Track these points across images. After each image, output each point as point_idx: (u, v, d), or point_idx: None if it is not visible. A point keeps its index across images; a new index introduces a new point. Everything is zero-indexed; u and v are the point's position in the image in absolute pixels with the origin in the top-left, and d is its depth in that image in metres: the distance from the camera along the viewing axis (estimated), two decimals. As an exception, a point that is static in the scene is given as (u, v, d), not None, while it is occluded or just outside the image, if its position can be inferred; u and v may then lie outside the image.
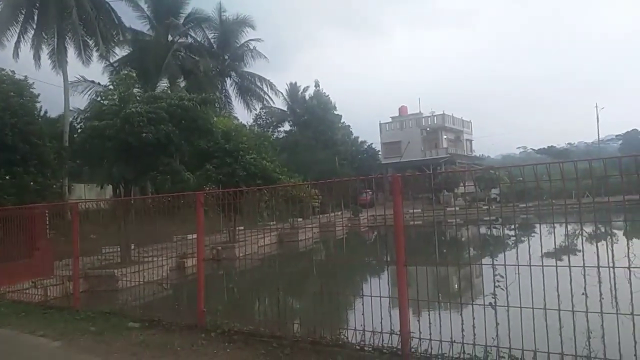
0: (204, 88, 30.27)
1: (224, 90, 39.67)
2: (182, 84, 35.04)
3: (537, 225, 6.03)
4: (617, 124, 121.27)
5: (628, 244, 4.00)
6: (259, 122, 47.66)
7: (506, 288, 4.45)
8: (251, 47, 40.17)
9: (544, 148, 58.56)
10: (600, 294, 4.00)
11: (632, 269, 3.88)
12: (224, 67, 40.25)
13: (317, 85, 52.92)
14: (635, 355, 3.78)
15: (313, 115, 50.09)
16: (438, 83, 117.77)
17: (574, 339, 4.08)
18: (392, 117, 58.95)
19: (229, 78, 41.01)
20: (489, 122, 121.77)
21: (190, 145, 15.79)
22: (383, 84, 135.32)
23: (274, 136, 46.79)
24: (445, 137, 56.02)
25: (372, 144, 59.18)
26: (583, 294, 4.02)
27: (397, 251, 5.12)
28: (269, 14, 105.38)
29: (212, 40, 39.91)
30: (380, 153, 58.10)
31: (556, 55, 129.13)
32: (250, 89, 40.84)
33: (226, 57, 40.64)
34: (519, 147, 74.62)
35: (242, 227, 20.86)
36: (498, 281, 4.53)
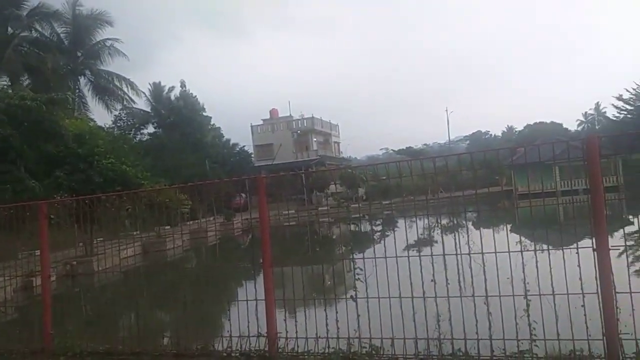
0: (53, 87, 27.34)
1: (77, 90, 36.26)
2: (27, 83, 31.28)
3: (398, 220, 6.36)
4: (464, 125, 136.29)
5: (467, 233, 4.42)
6: (119, 124, 44.31)
7: (365, 280, 4.65)
8: (108, 45, 37.32)
9: (403, 149, 63.28)
10: (447, 280, 4.35)
11: (471, 255, 4.30)
12: (77, 65, 36.83)
13: (183, 85, 50.87)
14: (477, 332, 4.18)
15: (180, 117, 47.97)
16: (306, 87, 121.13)
17: (426, 323, 4.39)
18: (263, 120, 59.17)
19: (83, 77, 37.62)
20: (355, 126, 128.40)
21: (35, 150, 14.09)
22: (253, 86, 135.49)
23: (137, 139, 44.00)
24: (315, 139, 57.72)
25: (244, 146, 58.74)
26: (432, 280, 4.34)
27: (263, 253, 5.07)
28: (129, 10, 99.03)
29: (62, 36, 36.25)
30: (252, 155, 57.90)
31: (412, 62, 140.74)
32: (107, 88, 37.88)
33: (79, 54, 37.22)
34: (381, 149, 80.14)
35: (101, 239, 19.21)
36: (358, 274, 4.72)
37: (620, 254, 4.43)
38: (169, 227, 23.00)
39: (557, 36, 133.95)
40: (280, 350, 4.86)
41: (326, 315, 4.65)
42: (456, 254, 4.43)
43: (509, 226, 4.92)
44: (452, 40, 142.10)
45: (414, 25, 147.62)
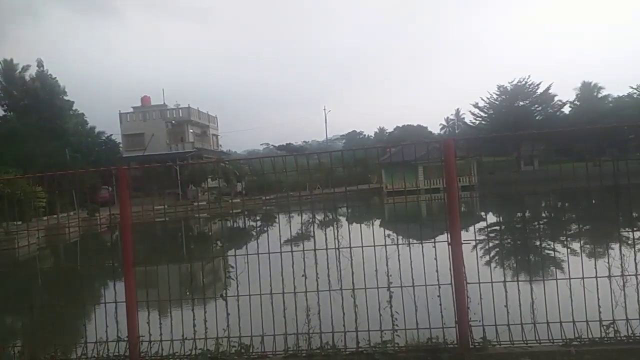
0: None
1: None
2: None
3: (277, 216, 6.33)
4: (341, 125, 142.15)
5: (337, 228, 4.52)
6: (-42, 105, 38.51)
7: (236, 278, 4.54)
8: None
9: (283, 145, 64.02)
10: (317, 275, 4.39)
11: (340, 250, 4.41)
12: None
13: (40, 65, 45.59)
14: (344, 325, 4.29)
15: (36, 100, 42.93)
16: (183, 77, 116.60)
17: (296, 319, 4.39)
18: (133, 108, 55.47)
19: None
20: (235, 119, 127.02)
21: None
22: (123, 72, 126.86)
23: (-17, 123, 38.63)
24: (191, 131, 55.63)
25: (111, 135, 54.63)
26: (303, 275, 4.36)
27: (124, 251, 4.68)
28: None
29: None
30: (121, 145, 54.07)
31: (294, 61, 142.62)
32: (-56, 62, 32.60)
33: None
34: (262, 144, 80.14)
35: None
36: (229, 272, 4.59)
37: (473, 248, 4.87)
38: (20, 222, 20.55)
39: (426, 45, 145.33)
40: (142, 354, 4.54)
41: (193, 316, 4.44)
42: (326, 249, 4.50)
43: (377, 221, 5.13)
44: (330, 42, 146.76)
45: (295, 24, 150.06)
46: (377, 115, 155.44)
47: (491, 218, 19.82)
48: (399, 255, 4.33)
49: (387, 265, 4.26)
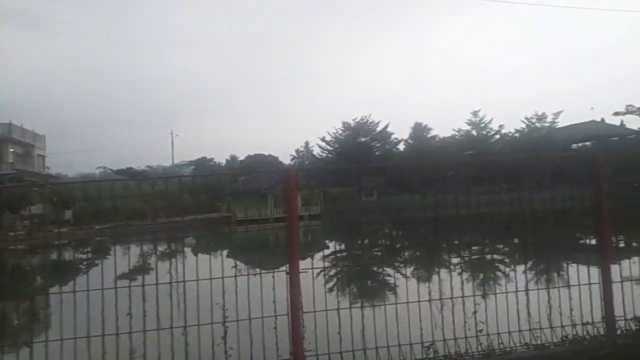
0: None
1: None
2: None
3: (112, 247, 5.72)
4: (190, 151, 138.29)
5: (171, 262, 4.19)
6: None
7: (48, 320, 3.92)
8: None
9: (123, 169, 59.57)
10: (144, 312, 3.99)
11: (172, 284, 4.08)
12: None
13: None
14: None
15: None
16: (6, 88, 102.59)
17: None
18: (-62, 122, 46.96)
19: None
20: (68, 140, 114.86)
21: None
22: None
23: None
24: (12, 150, 48.91)
25: None
26: (128, 314, 3.92)
27: None
28: None
29: None
30: None
31: (133, 79, 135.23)
32: None
33: None
34: (98, 167, 72.94)
35: None
36: (39, 314, 3.95)
37: (317, 275, 4.89)
38: None
39: (279, 77, 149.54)
40: None
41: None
42: (157, 284, 4.13)
43: (223, 252, 4.90)
44: (178, 66, 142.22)
45: (139, 41, 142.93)
46: (230, 143, 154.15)
47: (335, 246, 20.72)
48: (236, 288, 4.15)
49: (223, 298, 4.05)
